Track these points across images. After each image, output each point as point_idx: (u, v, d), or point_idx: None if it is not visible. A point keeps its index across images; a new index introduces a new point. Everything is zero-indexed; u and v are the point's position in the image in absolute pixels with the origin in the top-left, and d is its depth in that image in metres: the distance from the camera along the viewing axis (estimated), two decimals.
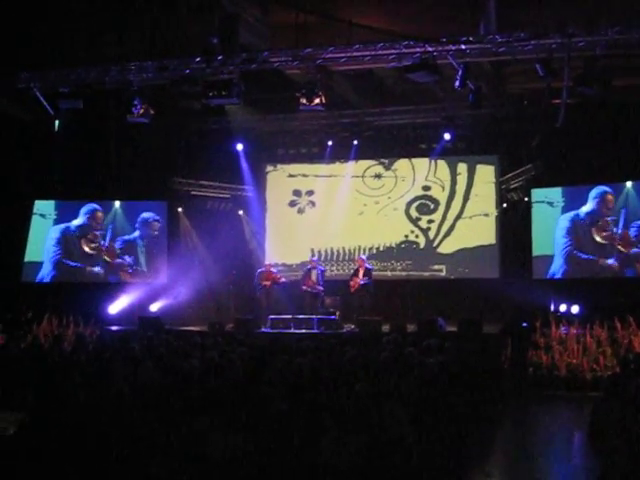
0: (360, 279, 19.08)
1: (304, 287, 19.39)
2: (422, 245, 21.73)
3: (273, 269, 20.07)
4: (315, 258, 20.56)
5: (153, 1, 15.89)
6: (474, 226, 21.29)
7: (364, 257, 20.12)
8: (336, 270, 21.64)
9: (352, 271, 19.92)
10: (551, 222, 19.60)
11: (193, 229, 22.05)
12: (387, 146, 21.74)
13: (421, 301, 20.49)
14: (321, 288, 19.36)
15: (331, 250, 22.11)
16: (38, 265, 21.30)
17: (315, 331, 17.26)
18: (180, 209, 22.07)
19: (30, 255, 21.20)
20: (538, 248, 19.62)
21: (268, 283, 19.54)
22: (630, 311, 16.33)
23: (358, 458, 6.92)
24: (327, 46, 15.29)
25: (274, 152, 22.86)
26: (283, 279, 20.02)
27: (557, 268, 19.28)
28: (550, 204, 19.72)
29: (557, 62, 13.94)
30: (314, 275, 19.45)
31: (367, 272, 19.26)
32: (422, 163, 21.76)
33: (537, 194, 19.87)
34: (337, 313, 18.72)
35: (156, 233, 21.61)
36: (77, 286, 20.91)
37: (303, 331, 17.26)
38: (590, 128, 17.97)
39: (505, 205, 21.04)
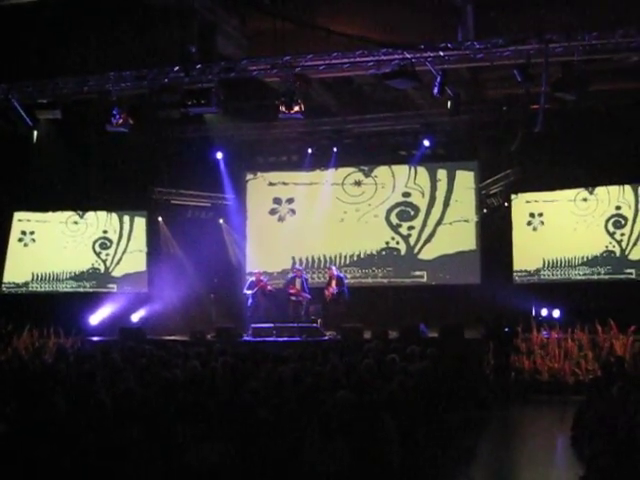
0: (333, 288, 19.20)
1: (291, 293, 19.44)
2: (403, 252, 21.73)
3: (262, 277, 20.07)
4: (299, 267, 20.58)
5: (131, 10, 15.83)
6: (454, 232, 21.32)
7: (334, 267, 20.31)
8: (317, 278, 21.59)
9: (326, 281, 20.00)
10: (531, 227, 19.76)
11: (173, 238, 21.98)
12: (367, 153, 21.75)
13: (402, 308, 20.49)
14: (308, 296, 19.46)
15: (312, 258, 22.08)
16: (17, 276, 21.28)
17: (297, 339, 17.26)
18: (160, 218, 22.00)
19: (10, 267, 21.16)
20: (519, 253, 19.72)
21: (259, 289, 19.58)
22: (611, 314, 16.40)
23: (341, 465, 6.92)
24: (305, 54, 15.26)
25: (254, 160, 22.85)
26: (270, 287, 20.02)
27: None
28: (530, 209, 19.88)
29: (535, 68, 13.98)
30: (298, 283, 19.51)
31: (339, 281, 19.37)
32: (402, 170, 21.77)
33: (517, 199, 19.97)
34: (319, 321, 18.75)
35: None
36: (57, 297, 20.86)
37: (285, 339, 17.26)
38: (568, 133, 18.05)
39: (485, 211, 21.08)
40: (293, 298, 19.46)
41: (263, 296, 19.74)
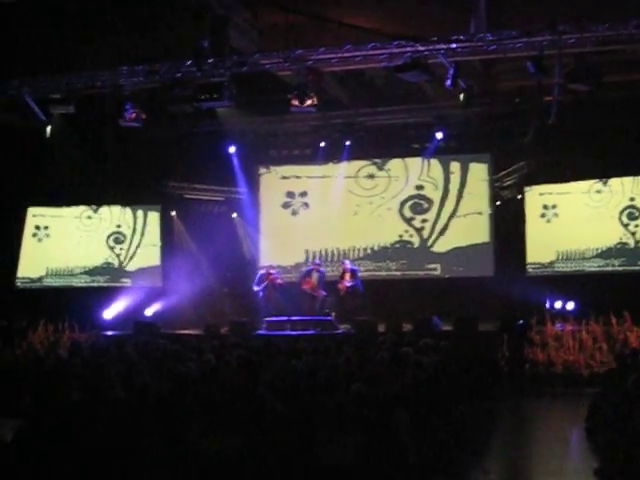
0: (346, 281, 19.22)
1: (304, 287, 19.45)
2: (416, 244, 21.71)
3: (272, 270, 20.07)
4: (318, 260, 20.54)
5: (143, 4, 15.86)
6: (468, 224, 21.28)
7: (347, 261, 20.24)
8: (331, 271, 21.54)
9: (339, 274, 19.99)
10: (544, 219, 19.73)
11: (187, 232, 22.00)
12: (380, 146, 21.71)
13: (416, 300, 20.46)
14: (324, 293, 19.45)
15: (325, 251, 22.07)
16: (32, 271, 21.38)
17: (311, 332, 17.29)
18: (174, 212, 22.03)
19: (24, 262, 21.26)
20: (532, 246, 19.69)
21: (268, 283, 19.60)
22: (625, 306, 16.36)
23: (356, 458, 6.93)
24: (317, 47, 15.27)
25: (267, 154, 22.82)
26: (280, 281, 20.05)
27: None
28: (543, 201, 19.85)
29: (548, 59, 13.95)
30: (315, 277, 19.52)
31: (352, 274, 19.38)
32: (415, 162, 21.74)
33: (530, 191, 19.94)
34: (332, 314, 18.77)
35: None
36: (71, 291, 20.93)
37: (299, 333, 17.27)
38: (582, 125, 17.99)
39: (498, 203, 21.05)
40: (308, 291, 19.46)
41: (273, 289, 19.76)
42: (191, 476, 6.74)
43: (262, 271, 20.13)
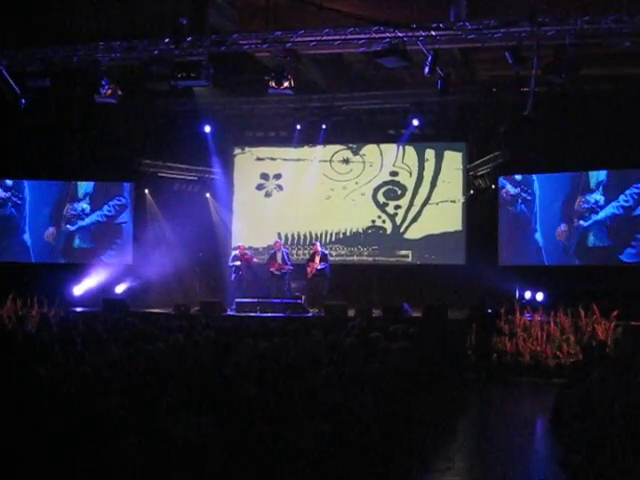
0: (316, 264, 19.19)
1: (271, 270, 19.45)
2: (389, 230, 21.75)
3: (247, 251, 20.06)
4: (278, 240, 20.51)
5: None
6: (441, 212, 21.34)
7: (318, 243, 20.22)
8: (302, 255, 21.59)
9: (309, 256, 20.00)
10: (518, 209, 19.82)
11: (160, 211, 21.90)
12: (355, 131, 21.72)
13: (387, 286, 20.51)
14: (291, 267, 19.55)
15: (298, 234, 22.09)
16: None
17: (281, 315, 17.29)
18: (147, 190, 21.92)
19: None
20: (504, 235, 19.78)
21: (242, 263, 19.58)
22: (594, 299, 16.46)
23: (323, 441, 6.94)
24: (297, 30, 15.24)
25: (242, 135, 22.76)
26: (255, 260, 20.08)
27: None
28: (516, 192, 19.91)
29: (526, 50, 13.99)
30: (279, 257, 19.53)
31: (323, 257, 19.36)
32: (390, 149, 21.76)
33: (504, 181, 20.01)
34: (302, 297, 18.77)
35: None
36: (41, 267, 20.81)
37: (269, 315, 17.28)
38: (558, 117, 18.05)
39: (472, 192, 21.09)
40: (277, 273, 19.47)
41: (247, 269, 19.75)
42: (159, 455, 6.73)
43: (236, 252, 20.07)
